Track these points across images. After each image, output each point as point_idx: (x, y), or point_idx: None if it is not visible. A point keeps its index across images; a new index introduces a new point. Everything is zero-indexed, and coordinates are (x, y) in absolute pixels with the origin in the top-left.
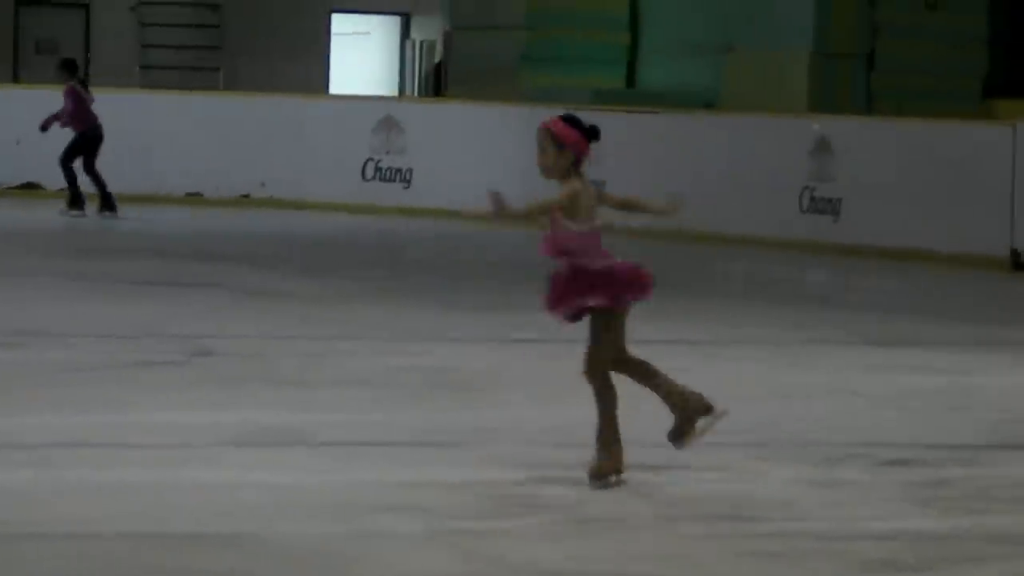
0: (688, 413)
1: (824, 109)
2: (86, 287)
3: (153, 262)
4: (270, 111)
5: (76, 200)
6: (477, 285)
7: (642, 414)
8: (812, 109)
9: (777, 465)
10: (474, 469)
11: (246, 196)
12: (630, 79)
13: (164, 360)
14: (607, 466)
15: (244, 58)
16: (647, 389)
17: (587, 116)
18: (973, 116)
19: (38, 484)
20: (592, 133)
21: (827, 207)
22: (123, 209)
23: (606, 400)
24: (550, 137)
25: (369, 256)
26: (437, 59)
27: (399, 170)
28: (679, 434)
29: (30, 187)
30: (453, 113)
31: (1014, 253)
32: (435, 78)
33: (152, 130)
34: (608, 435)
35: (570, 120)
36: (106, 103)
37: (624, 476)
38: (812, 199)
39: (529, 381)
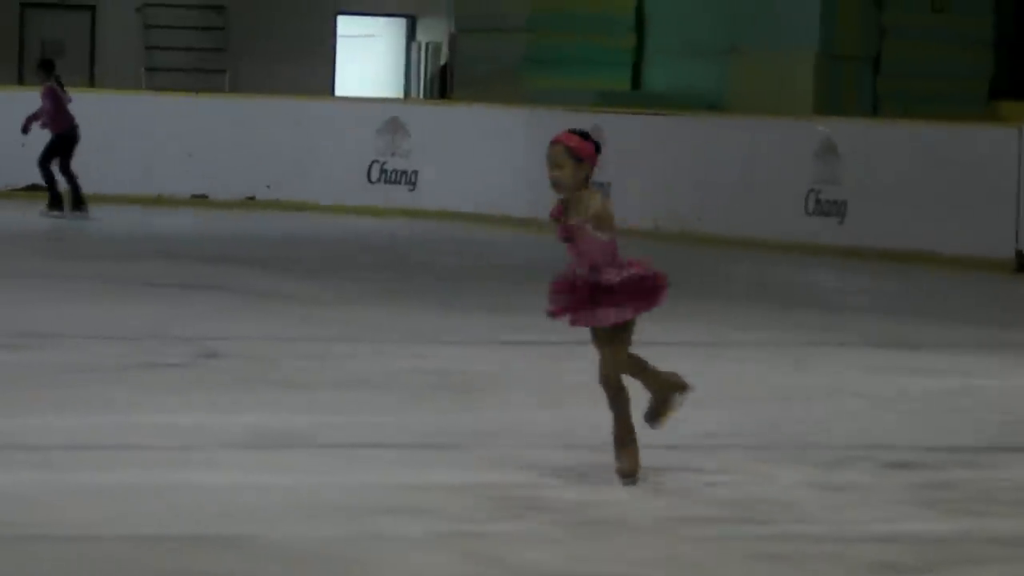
0: (664, 394)
1: (830, 111)
2: (91, 288)
3: (159, 264)
4: (275, 113)
5: (56, 201)
6: (481, 287)
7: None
8: (818, 111)
9: (779, 467)
10: (476, 471)
11: (251, 198)
12: (635, 81)
13: (169, 362)
14: (634, 464)
15: (249, 60)
16: (637, 380)
17: (592, 118)
18: (979, 118)
19: (40, 486)
20: (598, 147)
21: (832, 209)
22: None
23: (620, 404)
24: (567, 152)
25: (374, 258)
26: (443, 61)
27: (404, 172)
28: (655, 414)
29: (35, 189)
30: (459, 115)
31: (1019, 255)
32: (441, 80)
33: (157, 132)
34: (626, 436)
35: (582, 134)
36: (111, 105)
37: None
38: (818, 201)
39: (532, 383)
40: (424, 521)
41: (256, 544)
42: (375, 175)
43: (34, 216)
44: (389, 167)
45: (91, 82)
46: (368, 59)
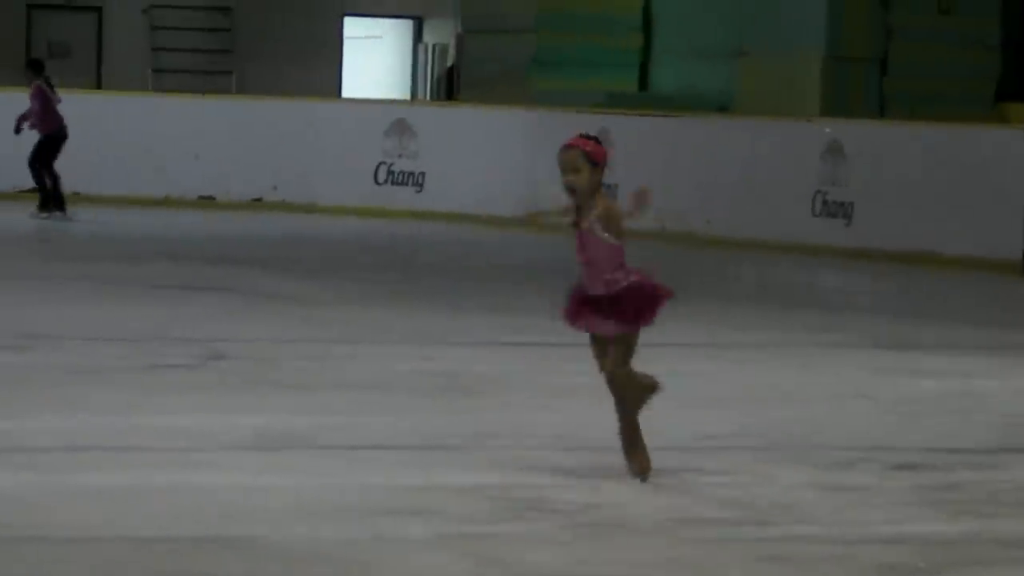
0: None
1: (837, 113)
2: (98, 290)
3: (164, 265)
4: (282, 115)
5: (46, 203)
6: (486, 288)
7: (648, 418)
8: (825, 113)
9: (783, 468)
10: (482, 473)
11: (258, 200)
12: (642, 82)
13: (175, 363)
14: (647, 462)
15: (256, 62)
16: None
17: (599, 119)
18: (985, 120)
19: (43, 488)
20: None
21: (839, 211)
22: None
23: (628, 402)
24: (584, 156)
25: (380, 259)
26: (449, 63)
27: (411, 174)
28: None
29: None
30: (465, 117)
31: None
32: (447, 82)
33: (164, 133)
34: (635, 435)
35: (593, 139)
36: (118, 106)
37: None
38: (824, 203)
39: (533, 384)
40: (426, 522)
41: (258, 545)
42: (382, 176)
43: (44, 218)
44: (396, 168)
45: (98, 83)
46: (375, 60)
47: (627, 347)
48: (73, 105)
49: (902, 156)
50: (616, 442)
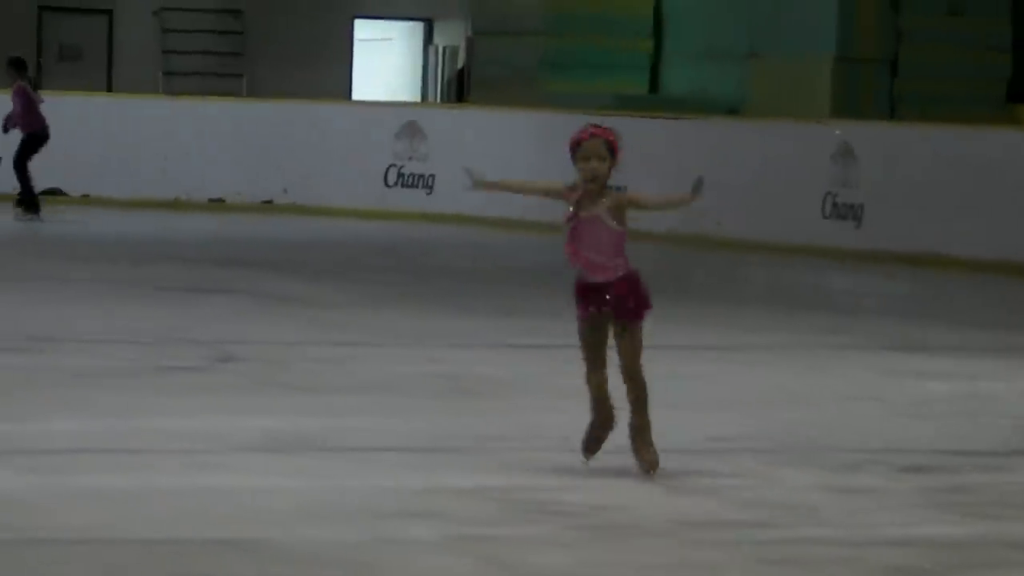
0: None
1: (847, 114)
2: (108, 292)
3: (174, 267)
4: (292, 117)
5: (32, 204)
6: (495, 290)
7: (656, 420)
8: (835, 114)
9: (793, 471)
10: (489, 474)
11: (269, 202)
12: (653, 84)
13: (185, 365)
14: (656, 456)
15: (267, 64)
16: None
17: (610, 121)
18: (996, 121)
19: (53, 490)
20: None
21: (849, 213)
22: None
23: (645, 396)
24: (607, 146)
25: (389, 262)
26: (459, 65)
27: (422, 176)
28: (586, 445)
29: (51, 193)
30: (476, 119)
31: None
32: (458, 84)
33: (175, 136)
34: (648, 429)
35: (610, 130)
36: (128, 109)
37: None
38: (835, 204)
39: (545, 386)
40: (435, 524)
41: (267, 547)
42: (392, 179)
43: (49, 220)
44: (406, 171)
45: (108, 86)
46: (385, 63)
47: (640, 341)
48: (83, 107)
49: (912, 158)
50: (622, 443)
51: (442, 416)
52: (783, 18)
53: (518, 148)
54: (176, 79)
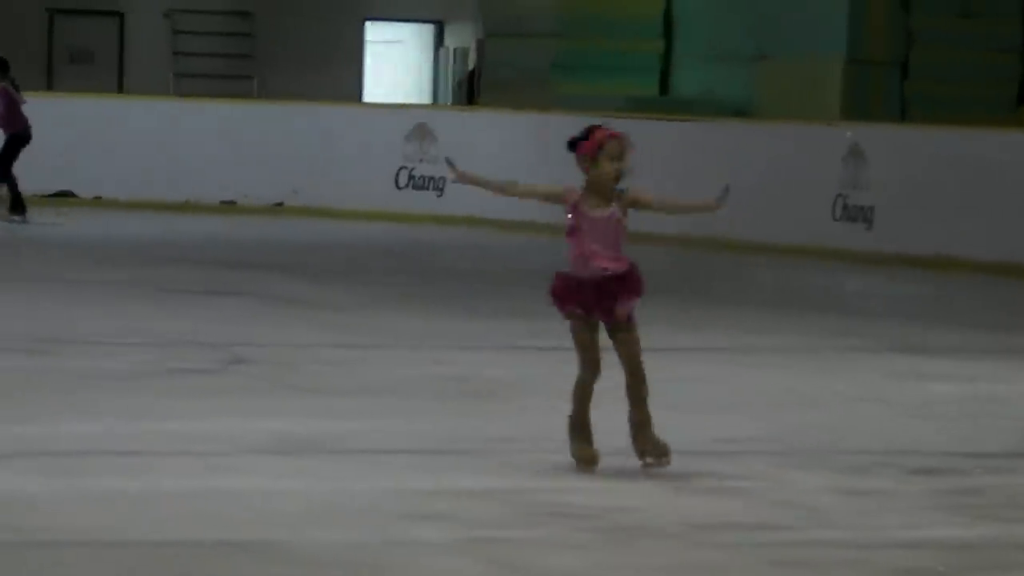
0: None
1: (857, 116)
2: (117, 294)
3: (185, 269)
4: (303, 119)
5: (17, 205)
6: (504, 292)
7: (666, 422)
8: (845, 116)
9: (802, 473)
10: (497, 476)
11: (279, 204)
12: (663, 86)
13: (194, 368)
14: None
15: (277, 66)
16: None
17: (620, 123)
18: (1007, 123)
19: (69, 492)
20: None
21: (860, 215)
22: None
23: (647, 387)
24: (624, 148)
25: (399, 264)
26: (470, 67)
27: (432, 178)
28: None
29: (63, 195)
30: (486, 121)
31: None
32: (468, 86)
33: (185, 138)
34: (649, 419)
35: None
36: (139, 111)
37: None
38: (845, 207)
39: (554, 388)
40: (442, 527)
41: (275, 549)
42: (403, 181)
43: (61, 222)
44: (417, 173)
45: (119, 88)
46: (396, 65)
47: (637, 336)
48: (94, 109)
49: (923, 160)
50: (628, 445)
51: (450, 418)
52: (793, 20)
53: (528, 150)
54: (186, 81)
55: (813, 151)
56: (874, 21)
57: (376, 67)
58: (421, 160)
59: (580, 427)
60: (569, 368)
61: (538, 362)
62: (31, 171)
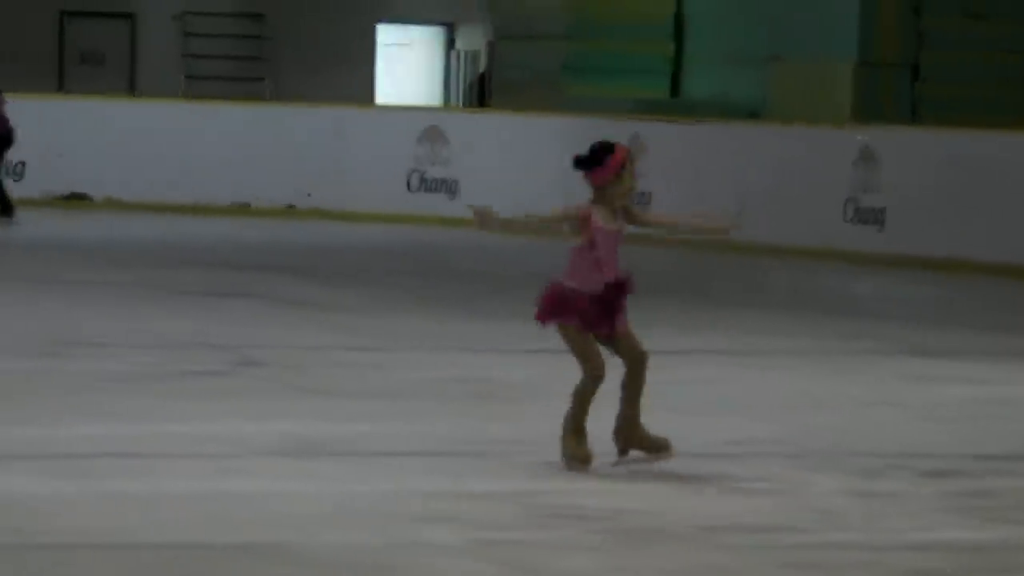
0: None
1: (869, 119)
2: (129, 296)
3: (197, 272)
4: (315, 121)
5: (5, 207)
6: (515, 295)
7: (680, 425)
8: (856, 119)
9: (815, 475)
10: (510, 479)
11: (292, 206)
12: (674, 89)
13: (206, 370)
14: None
15: (289, 68)
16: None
17: (631, 126)
18: (1018, 125)
19: (79, 494)
20: None
21: (871, 217)
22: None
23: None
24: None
25: (411, 266)
26: (481, 69)
27: (444, 180)
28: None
29: (75, 197)
30: (497, 123)
31: None
32: (479, 88)
33: (197, 140)
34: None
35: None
36: (151, 113)
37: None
38: (857, 209)
39: (565, 391)
40: (456, 529)
41: (286, 552)
42: (415, 183)
43: (72, 224)
44: (428, 175)
45: (131, 90)
46: (407, 67)
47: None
48: (106, 112)
49: (934, 162)
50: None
51: (461, 420)
52: (804, 22)
53: (540, 152)
54: (198, 83)
55: (824, 153)
56: (885, 23)
57: (387, 69)
58: (433, 162)
59: (577, 428)
60: (577, 371)
61: (548, 365)
62: (42, 173)
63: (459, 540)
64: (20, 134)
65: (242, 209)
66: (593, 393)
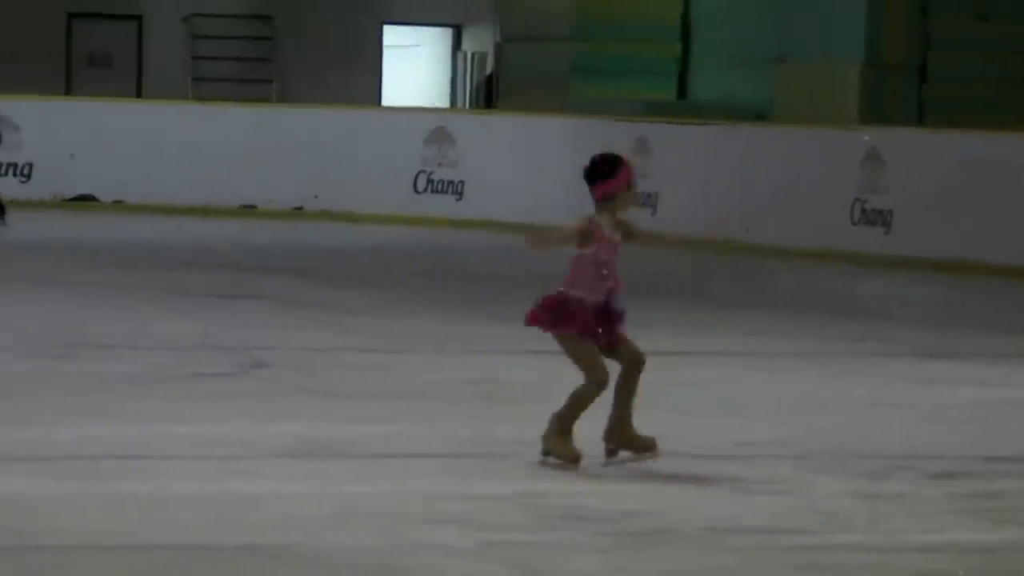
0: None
1: (875, 120)
2: (138, 299)
3: (206, 274)
4: (322, 123)
5: None
6: (523, 297)
7: (686, 427)
8: (863, 120)
9: (822, 477)
10: (520, 481)
11: (299, 208)
12: (681, 91)
13: (214, 372)
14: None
15: (296, 70)
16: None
17: (638, 128)
18: None
19: (89, 496)
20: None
21: (878, 218)
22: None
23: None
24: None
25: (418, 268)
26: (488, 71)
27: (451, 182)
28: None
29: (84, 199)
30: (504, 125)
31: None
32: (486, 90)
33: (205, 142)
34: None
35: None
36: (159, 115)
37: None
38: (863, 211)
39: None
40: (465, 530)
41: (295, 553)
42: (422, 185)
43: (79, 225)
44: (436, 177)
45: (138, 92)
46: (414, 69)
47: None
48: (113, 114)
49: (941, 163)
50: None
51: (470, 422)
52: (811, 23)
53: (547, 154)
54: (206, 85)
55: (831, 155)
56: (892, 24)
57: (394, 71)
58: (440, 164)
59: (566, 429)
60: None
61: (555, 366)
62: (49, 176)
63: (466, 542)
64: (27, 136)
65: (249, 211)
66: (593, 399)
